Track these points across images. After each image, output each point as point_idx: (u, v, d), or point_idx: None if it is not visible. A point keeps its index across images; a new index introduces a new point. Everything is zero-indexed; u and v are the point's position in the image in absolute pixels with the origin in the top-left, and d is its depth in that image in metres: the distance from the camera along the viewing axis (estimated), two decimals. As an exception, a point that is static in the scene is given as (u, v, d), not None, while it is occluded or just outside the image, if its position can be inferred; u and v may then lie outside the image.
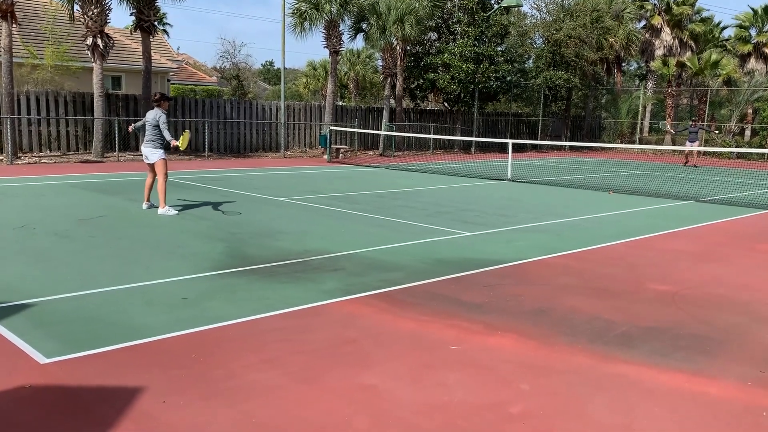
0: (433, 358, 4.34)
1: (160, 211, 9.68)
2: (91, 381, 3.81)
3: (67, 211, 9.61)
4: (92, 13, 18.46)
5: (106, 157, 19.15)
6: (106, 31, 18.96)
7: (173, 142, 9.69)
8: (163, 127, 9.70)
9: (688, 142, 23.54)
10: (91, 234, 8.03)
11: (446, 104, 31.19)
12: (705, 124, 24.33)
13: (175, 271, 6.32)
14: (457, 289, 6.01)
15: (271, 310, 5.19)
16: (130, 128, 10.57)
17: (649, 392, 3.90)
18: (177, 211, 9.78)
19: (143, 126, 9.99)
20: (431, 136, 25.91)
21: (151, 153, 9.88)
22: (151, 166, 10.00)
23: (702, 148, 24.30)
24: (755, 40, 36.22)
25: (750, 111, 33.57)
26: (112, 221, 8.98)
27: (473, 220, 9.96)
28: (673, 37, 37.69)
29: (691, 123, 24.62)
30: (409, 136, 26.76)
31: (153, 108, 9.89)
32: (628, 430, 3.43)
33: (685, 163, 24.08)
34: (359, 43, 47.76)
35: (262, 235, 8.29)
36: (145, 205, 10.13)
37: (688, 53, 36.38)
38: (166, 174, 9.85)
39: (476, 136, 29.30)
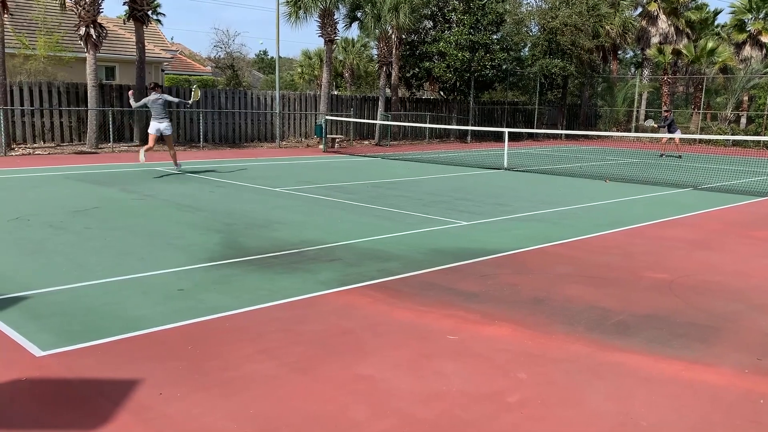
0: (430, 347, 4.34)
1: (175, 168, 13.62)
2: (87, 373, 3.79)
3: (61, 203, 9.56)
4: (84, 3, 18.29)
5: (101, 148, 19.05)
6: (98, 20, 18.80)
7: (190, 101, 13.46)
8: (171, 98, 12.79)
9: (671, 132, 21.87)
10: (86, 225, 7.99)
11: (442, 93, 31.10)
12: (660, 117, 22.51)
13: (171, 262, 6.29)
14: (454, 279, 6.00)
15: (267, 301, 5.17)
16: (131, 92, 13.27)
17: (646, 380, 3.90)
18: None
19: (152, 107, 12.69)
20: (427, 125, 25.82)
21: (166, 128, 12.86)
22: (162, 138, 12.97)
23: (698, 136, 24.02)
24: (750, 28, 36.16)
25: (746, 98, 33.55)
26: (106, 212, 8.94)
27: (469, 210, 9.95)
28: (669, 25, 37.55)
29: (665, 114, 22.78)
30: (405, 126, 26.67)
31: (149, 94, 12.63)
32: (626, 418, 3.43)
33: (663, 152, 22.57)
34: (354, 32, 47.49)
35: (258, 225, 8.26)
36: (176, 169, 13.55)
37: (684, 41, 36.27)
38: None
39: (472, 125, 29.22)
